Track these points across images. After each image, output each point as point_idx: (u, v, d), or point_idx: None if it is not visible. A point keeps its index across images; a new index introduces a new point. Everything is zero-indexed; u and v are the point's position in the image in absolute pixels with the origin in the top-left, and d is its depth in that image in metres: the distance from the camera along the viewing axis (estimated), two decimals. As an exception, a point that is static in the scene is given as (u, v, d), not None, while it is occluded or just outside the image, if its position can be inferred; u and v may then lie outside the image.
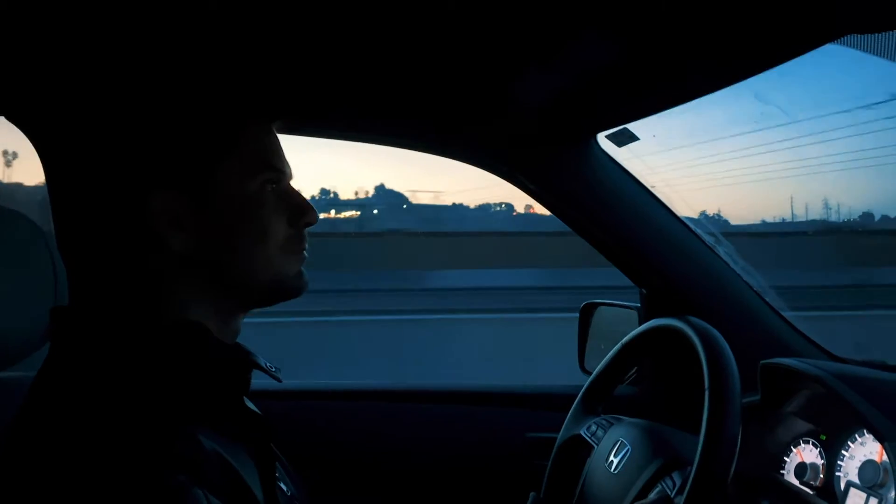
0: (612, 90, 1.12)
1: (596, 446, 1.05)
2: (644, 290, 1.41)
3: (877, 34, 0.79)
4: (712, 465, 0.78)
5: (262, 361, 0.78)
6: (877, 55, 0.85)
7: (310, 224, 0.79)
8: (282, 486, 0.81)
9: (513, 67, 1.01)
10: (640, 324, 1.36)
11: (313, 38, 0.89)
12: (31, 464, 0.60)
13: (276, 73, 1.03)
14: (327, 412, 1.46)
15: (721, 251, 1.35)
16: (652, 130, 1.27)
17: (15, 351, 0.81)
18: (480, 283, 10.80)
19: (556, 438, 1.14)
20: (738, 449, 0.79)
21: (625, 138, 1.30)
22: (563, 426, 1.14)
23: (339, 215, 19.43)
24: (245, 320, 0.79)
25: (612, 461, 0.98)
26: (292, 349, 4.17)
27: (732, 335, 0.91)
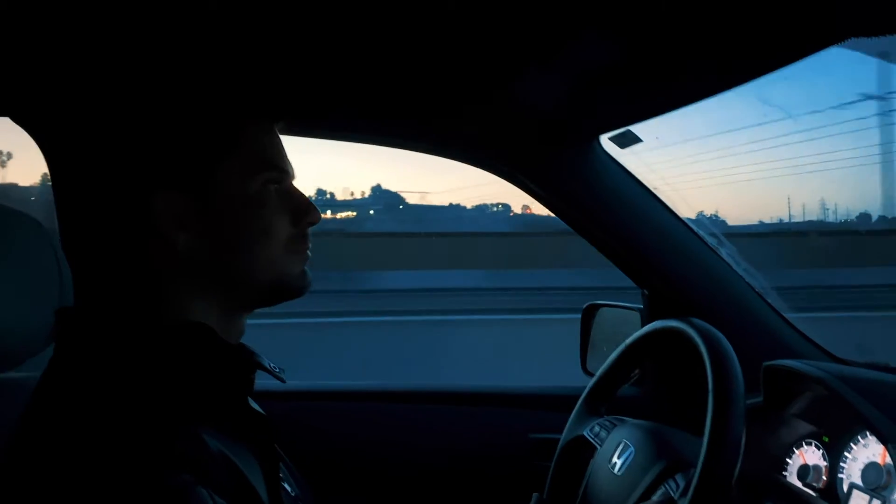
0: (614, 92, 1.12)
1: (599, 447, 1.05)
2: (646, 292, 1.42)
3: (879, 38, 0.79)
4: (716, 468, 0.78)
5: (265, 362, 0.78)
6: (878, 58, 0.85)
7: (313, 223, 0.79)
8: (286, 486, 0.81)
9: (515, 68, 1.02)
10: (643, 325, 1.36)
11: (314, 38, 0.89)
12: (37, 464, 0.60)
13: (275, 74, 1.03)
14: (330, 413, 1.46)
15: (723, 253, 1.35)
16: (654, 132, 1.28)
17: (20, 352, 0.81)
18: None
19: (558, 439, 1.14)
20: (741, 451, 0.79)
21: (627, 140, 1.30)
22: (567, 427, 1.14)
23: (335, 216, 19.47)
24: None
25: (615, 462, 0.98)
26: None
27: (735, 337, 0.91)
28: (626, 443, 0.99)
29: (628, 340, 1.10)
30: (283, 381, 0.82)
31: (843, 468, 0.99)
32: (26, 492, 0.59)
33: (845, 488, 0.97)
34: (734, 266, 1.35)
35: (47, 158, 1.04)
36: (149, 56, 0.91)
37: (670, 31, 0.85)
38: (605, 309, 1.54)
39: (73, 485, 0.57)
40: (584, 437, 1.09)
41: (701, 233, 1.36)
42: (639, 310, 1.43)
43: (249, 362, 0.76)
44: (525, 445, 1.42)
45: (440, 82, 1.09)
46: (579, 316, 1.56)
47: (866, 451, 0.96)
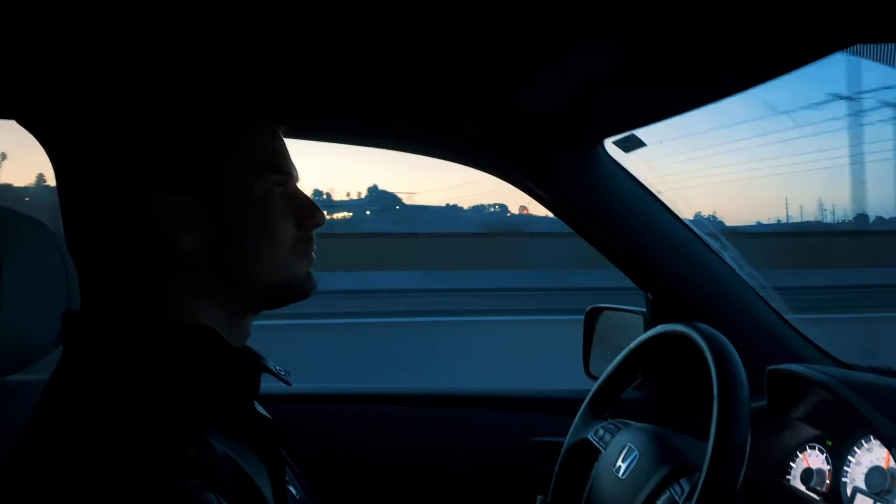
0: (618, 96, 1.12)
1: (603, 451, 1.05)
2: (650, 295, 1.42)
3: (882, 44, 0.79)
4: (721, 472, 0.78)
5: (271, 365, 0.78)
6: (881, 63, 0.85)
7: (317, 225, 0.79)
8: (291, 489, 0.81)
9: (519, 71, 1.02)
10: (646, 329, 1.37)
11: (316, 41, 0.89)
12: (46, 466, 0.60)
13: (278, 76, 1.04)
14: (334, 415, 1.46)
15: (727, 256, 1.35)
16: (659, 136, 1.28)
17: (28, 354, 0.82)
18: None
19: (562, 442, 1.15)
20: (746, 455, 0.79)
21: (631, 144, 1.30)
22: (571, 430, 1.14)
23: (331, 216, 19.55)
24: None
25: (619, 466, 0.98)
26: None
27: (738, 340, 0.91)
28: (630, 446, 0.99)
29: (633, 344, 1.10)
30: (288, 383, 0.82)
31: (846, 472, 0.99)
32: (36, 493, 0.59)
33: (849, 492, 0.97)
34: (737, 270, 1.35)
35: (52, 161, 1.05)
36: (152, 58, 0.92)
37: (674, 35, 0.85)
38: (607, 312, 1.54)
39: (81, 488, 0.57)
40: (588, 440, 1.10)
41: (704, 236, 1.36)
42: (642, 313, 1.43)
43: (255, 365, 0.76)
44: (528, 449, 1.42)
45: (445, 86, 1.09)
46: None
47: (870, 455, 0.96)
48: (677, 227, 1.35)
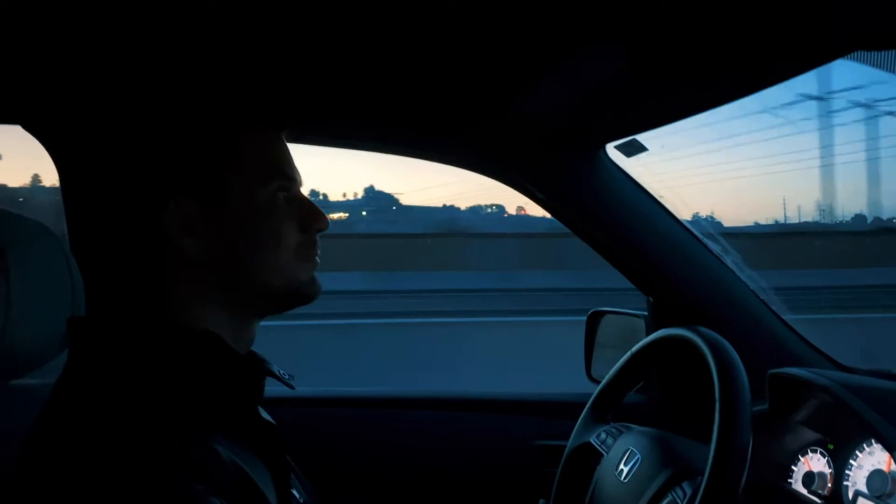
0: (620, 101, 1.13)
1: (605, 454, 1.06)
2: (651, 299, 1.42)
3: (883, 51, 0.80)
4: (723, 475, 0.78)
5: (275, 369, 0.79)
6: (883, 69, 0.86)
7: (321, 230, 0.79)
8: (294, 492, 0.82)
9: (521, 77, 1.02)
10: (647, 332, 1.37)
11: (320, 47, 0.90)
12: (51, 469, 0.60)
13: (281, 82, 1.04)
14: (337, 418, 1.47)
15: (728, 260, 1.35)
16: (660, 141, 1.29)
17: (34, 358, 0.82)
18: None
19: (565, 446, 1.15)
20: (748, 459, 0.79)
21: (633, 149, 1.31)
22: (573, 434, 1.14)
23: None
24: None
25: (622, 470, 0.99)
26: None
27: (740, 344, 0.92)
28: (632, 450, 0.99)
29: (635, 348, 1.11)
30: (292, 387, 0.82)
31: (848, 475, 0.99)
32: (41, 496, 0.59)
33: (850, 496, 0.97)
34: (739, 274, 1.35)
35: (58, 166, 1.06)
36: (157, 65, 0.93)
37: (675, 41, 0.86)
38: (609, 316, 1.55)
39: (85, 491, 0.58)
40: (590, 443, 1.10)
41: (706, 241, 1.36)
42: (644, 317, 1.43)
43: (259, 370, 0.76)
44: (531, 452, 1.42)
45: (447, 90, 1.10)
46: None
47: (871, 459, 0.96)
48: (679, 231, 1.35)
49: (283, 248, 0.75)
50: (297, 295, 0.78)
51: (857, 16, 0.75)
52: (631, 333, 1.44)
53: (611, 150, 1.33)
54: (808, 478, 1.04)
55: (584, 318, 1.56)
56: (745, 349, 0.92)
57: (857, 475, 0.98)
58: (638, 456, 0.98)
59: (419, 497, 1.43)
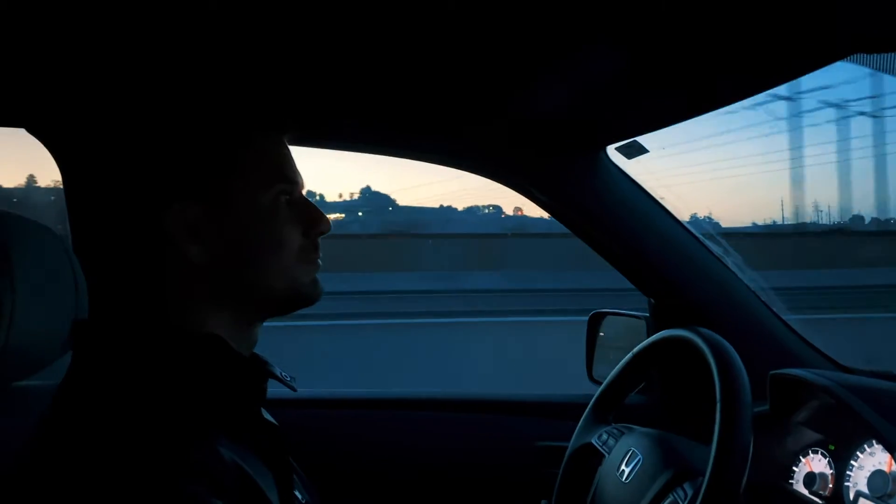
0: (621, 103, 1.13)
1: (607, 455, 1.06)
2: (652, 300, 1.43)
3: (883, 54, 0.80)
4: (724, 476, 0.78)
5: (277, 371, 0.79)
6: (883, 72, 0.86)
7: (323, 233, 0.80)
8: (296, 493, 0.82)
9: (522, 78, 1.03)
10: (649, 334, 1.38)
11: (321, 49, 0.90)
12: (53, 471, 0.61)
13: (283, 85, 1.04)
14: (339, 420, 1.47)
15: (729, 262, 1.36)
16: (661, 142, 1.29)
17: (38, 359, 0.82)
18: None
19: (566, 447, 1.15)
20: (749, 460, 0.79)
21: (634, 151, 1.31)
22: (574, 435, 1.15)
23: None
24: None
25: (623, 470, 0.99)
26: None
27: (741, 345, 0.92)
28: (634, 451, 1.00)
29: (636, 349, 1.11)
30: (294, 389, 0.83)
31: (849, 476, 0.99)
32: (44, 497, 0.59)
33: (851, 496, 0.98)
34: (740, 275, 1.36)
35: (61, 169, 1.06)
36: (161, 68, 0.93)
37: (676, 43, 0.86)
38: (610, 317, 1.55)
39: (88, 493, 0.58)
40: (592, 444, 1.10)
41: (707, 242, 1.37)
42: (645, 318, 1.44)
43: (262, 372, 0.77)
44: (532, 453, 1.42)
45: (448, 93, 1.10)
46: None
47: (872, 460, 0.97)
48: (680, 233, 1.36)
49: (285, 251, 0.75)
50: (300, 297, 0.78)
51: (858, 18, 0.75)
52: (632, 335, 1.44)
53: (611, 151, 1.34)
54: (810, 478, 1.04)
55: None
56: (745, 350, 0.92)
57: (858, 476, 0.98)
58: (639, 457, 0.98)
59: (421, 498, 1.43)
